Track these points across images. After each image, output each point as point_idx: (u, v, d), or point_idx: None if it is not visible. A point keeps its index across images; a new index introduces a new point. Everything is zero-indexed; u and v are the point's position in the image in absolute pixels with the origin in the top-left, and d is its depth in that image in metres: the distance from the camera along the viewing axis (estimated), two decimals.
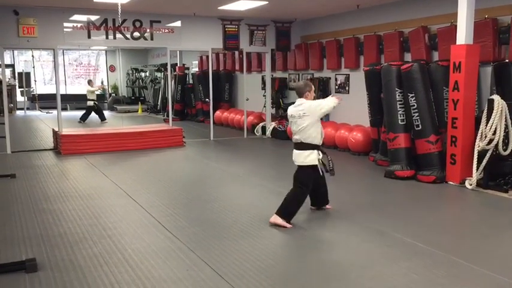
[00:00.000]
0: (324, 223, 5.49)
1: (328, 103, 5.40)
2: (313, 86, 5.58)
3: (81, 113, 16.57)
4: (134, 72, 23.30)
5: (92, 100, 16.31)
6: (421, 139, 7.62)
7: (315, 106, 5.36)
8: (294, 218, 5.39)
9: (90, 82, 17.02)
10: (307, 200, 5.63)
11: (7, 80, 20.15)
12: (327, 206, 5.92)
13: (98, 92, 17.95)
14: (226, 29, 12.03)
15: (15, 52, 22.59)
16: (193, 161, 9.82)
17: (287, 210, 5.34)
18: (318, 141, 5.43)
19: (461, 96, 7.06)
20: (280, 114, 13.01)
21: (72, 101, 21.35)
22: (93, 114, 16.28)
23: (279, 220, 5.26)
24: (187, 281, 3.90)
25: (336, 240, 4.97)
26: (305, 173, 5.42)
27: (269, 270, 4.13)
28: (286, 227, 5.22)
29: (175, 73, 17.80)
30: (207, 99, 13.96)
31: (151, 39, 11.41)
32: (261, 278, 3.94)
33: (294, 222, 5.36)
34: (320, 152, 5.46)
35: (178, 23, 11.62)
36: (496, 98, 6.78)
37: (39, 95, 21.82)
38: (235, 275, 3.99)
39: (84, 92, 17.04)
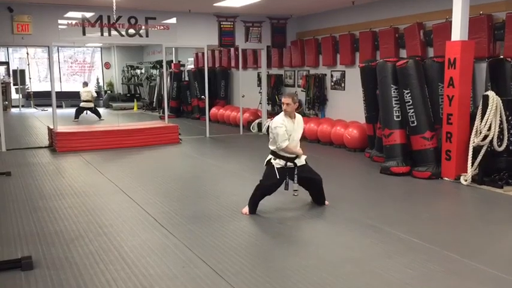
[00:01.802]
0: (319, 219, 5.50)
1: (280, 139, 5.45)
2: (285, 100, 5.55)
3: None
4: (129, 69, 23.23)
5: (87, 101, 16.24)
6: (416, 135, 7.64)
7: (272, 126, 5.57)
8: (291, 213, 5.41)
9: (85, 84, 17.04)
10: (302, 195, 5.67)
11: (2, 77, 20.12)
12: (326, 203, 6.00)
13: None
14: (222, 26, 12.00)
15: (10, 49, 22.48)
16: (189, 158, 9.82)
17: None
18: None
19: (456, 92, 7.07)
20: (276, 111, 13.02)
21: (68, 98, 21.26)
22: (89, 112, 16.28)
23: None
24: (184, 278, 3.90)
25: (332, 235, 4.98)
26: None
27: (265, 266, 4.14)
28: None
29: (170, 70, 17.76)
30: (202, 96, 13.95)
31: (147, 36, 11.37)
32: (257, 274, 3.95)
33: (289, 217, 5.38)
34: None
35: (173, 20, 11.59)
36: (491, 94, 6.80)
37: (34, 92, 21.72)
38: (231, 272, 4.00)
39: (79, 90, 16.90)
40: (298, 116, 5.76)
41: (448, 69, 7.15)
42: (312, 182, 5.79)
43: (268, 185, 5.63)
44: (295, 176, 5.58)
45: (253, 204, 5.67)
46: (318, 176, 5.79)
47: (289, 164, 5.57)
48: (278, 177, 5.54)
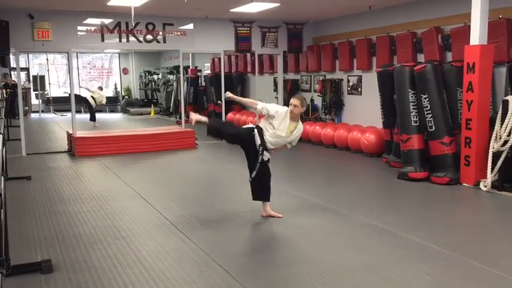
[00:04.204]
0: (336, 224, 5.48)
1: (262, 106, 5.52)
2: (294, 101, 5.43)
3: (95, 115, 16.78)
4: (147, 74, 23.44)
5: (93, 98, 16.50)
6: (434, 140, 7.57)
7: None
8: (308, 219, 5.40)
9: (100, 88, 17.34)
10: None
11: (22, 83, 20.45)
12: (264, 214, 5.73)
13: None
14: (238, 31, 12.06)
15: (30, 55, 22.87)
16: (205, 162, 9.86)
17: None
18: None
19: (475, 97, 7.00)
20: None
21: (86, 103, 21.48)
22: (105, 116, 16.46)
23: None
24: (201, 283, 3.91)
25: (348, 241, 4.95)
26: None
27: (282, 271, 4.13)
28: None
29: (187, 75, 17.88)
30: (219, 101, 14.00)
31: (164, 42, 11.48)
32: (274, 279, 3.95)
33: (306, 223, 5.38)
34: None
35: (190, 26, 11.69)
36: (511, 99, 6.71)
37: (53, 97, 22.04)
38: (248, 277, 4.00)
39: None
40: (300, 124, 5.55)
41: (467, 74, 7.08)
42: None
43: (239, 131, 5.67)
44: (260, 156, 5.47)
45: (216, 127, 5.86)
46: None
47: (261, 147, 5.46)
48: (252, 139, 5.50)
